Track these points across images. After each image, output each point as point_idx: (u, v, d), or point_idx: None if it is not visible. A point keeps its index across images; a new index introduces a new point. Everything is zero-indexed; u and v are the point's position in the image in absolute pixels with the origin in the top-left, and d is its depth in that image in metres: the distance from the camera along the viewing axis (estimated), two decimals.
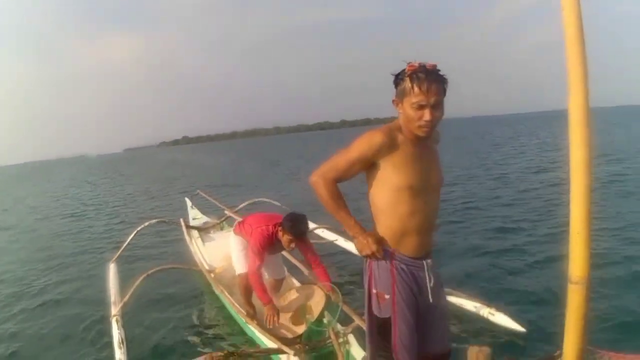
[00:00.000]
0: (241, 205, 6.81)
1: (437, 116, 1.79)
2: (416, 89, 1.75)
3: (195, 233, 5.90)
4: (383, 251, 1.89)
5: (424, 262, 1.91)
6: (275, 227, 3.54)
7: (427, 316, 1.94)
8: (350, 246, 5.19)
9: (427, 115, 1.77)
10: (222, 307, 4.45)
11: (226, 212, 6.72)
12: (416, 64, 1.78)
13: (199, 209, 7.84)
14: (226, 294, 4.10)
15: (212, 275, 4.57)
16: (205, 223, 6.70)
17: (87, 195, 20.10)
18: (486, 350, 1.49)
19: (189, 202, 8.22)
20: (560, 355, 1.70)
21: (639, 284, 4.43)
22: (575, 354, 1.37)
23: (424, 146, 1.90)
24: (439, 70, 1.79)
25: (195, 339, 4.07)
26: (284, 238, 3.48)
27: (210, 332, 4.22)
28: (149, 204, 14.65)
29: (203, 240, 5.54)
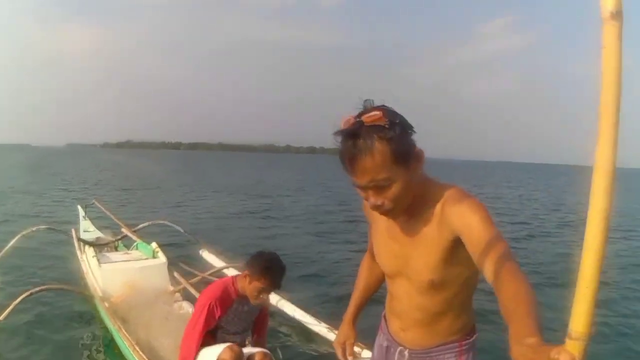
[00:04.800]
0: (140, 226, 6.08)
1: (389, 197, 1.15)
2: (345, 165, 1.14)
3: (90, 251, 5.03)
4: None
5: (399, 348, 1.41)
6: (232, 279, 2.59)
7: None
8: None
9: (370, 198, 1.16)
10: (114, 343, 3.65)
11: (123, 230, 5.77)
12: (342, 123, 1.11)
13: (92, 221, 6.78)
14: (123, 330, 3.38)
15: (107, 305, 3.88)
16: (98, 239, 5.83)
17: None
18: None
19: (81, 211, 6.94)
20: None
21: None
22: None
23: (410, 226, 1.25)
24: (366, 128, 1.07)
25: None
26: (251, 286, 2.43)
27: None
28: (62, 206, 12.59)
29: (99, 261, 4.61)
